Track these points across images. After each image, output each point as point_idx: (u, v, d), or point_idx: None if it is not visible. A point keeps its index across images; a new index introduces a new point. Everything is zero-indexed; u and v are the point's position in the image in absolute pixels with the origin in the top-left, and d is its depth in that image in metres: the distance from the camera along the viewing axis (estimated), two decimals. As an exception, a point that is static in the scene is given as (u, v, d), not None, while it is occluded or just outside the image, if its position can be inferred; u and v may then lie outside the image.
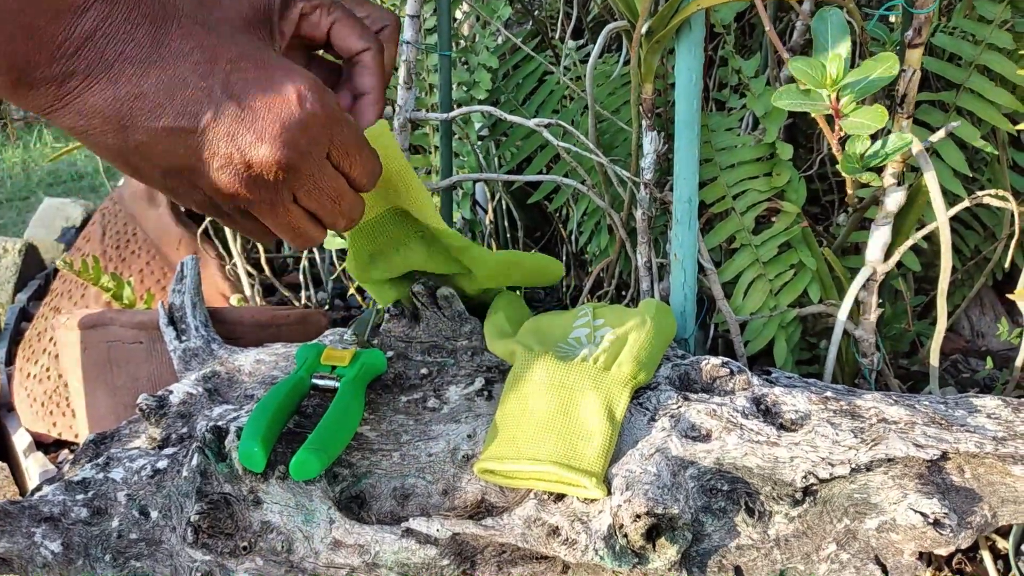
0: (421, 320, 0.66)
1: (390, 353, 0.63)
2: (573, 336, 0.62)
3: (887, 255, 0.71)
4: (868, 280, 0.72)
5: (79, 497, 0.56)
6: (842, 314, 0.72)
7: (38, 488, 0.64)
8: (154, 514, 0.54)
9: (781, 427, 0.54)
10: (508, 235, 1.09)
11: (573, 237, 1.00)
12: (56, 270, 1.51)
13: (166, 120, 0.38)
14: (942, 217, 0.65)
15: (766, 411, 0.55)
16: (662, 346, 0.60)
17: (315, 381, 0.57)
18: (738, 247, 0.78)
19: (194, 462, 0.53)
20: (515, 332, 0.63)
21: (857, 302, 0.74)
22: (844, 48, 0.56)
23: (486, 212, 1.08)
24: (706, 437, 0.53)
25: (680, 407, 0.55)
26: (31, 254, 1.47)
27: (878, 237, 0.70)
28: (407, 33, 0.76)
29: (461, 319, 0.65)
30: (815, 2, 0.83)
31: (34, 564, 0.53)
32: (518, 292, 1.08)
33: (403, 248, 0.63)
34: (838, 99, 0.56)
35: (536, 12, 1.22)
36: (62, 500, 0.55)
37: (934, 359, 0.72)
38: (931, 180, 0.64)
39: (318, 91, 0.41)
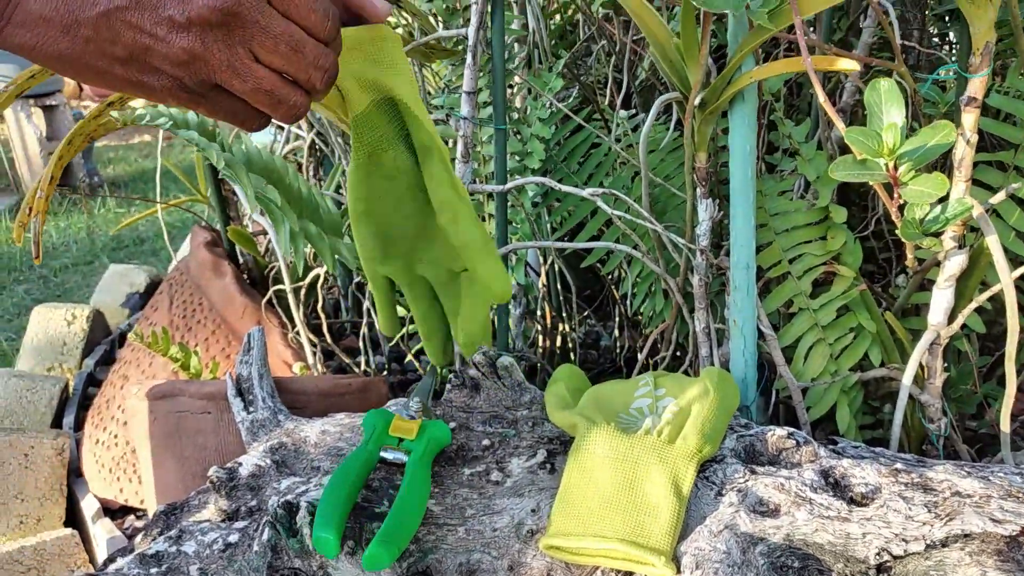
0: (481, 390, 0.67)
1: (452, 424, 0.64)
2: (634, 406, 0.62)
3: (950, 318, 0.70)
4: (932, 344, 0.71)
5: (153, 571, 0.57)
6: (906, 379, 0.71)
7: (111, 559, 0.66)
8: (226, 589, 0.55)
9: (851, 501, 0.53)
10: (561, 297, 1.10)
11: (627, 299, 1.01)
12: (122, 335, 1.56)
13: (101, 5, 0.39)
14: (1006, 279, 0.64)
15: (835, 484, 0.55)
16: (726, 417, 0.60)
17: (383, 455, 0.58)
18: (796, 311, 0.77)
19: (265, 537, 0.54)
20: (575, 402, 0.64)
21: (921, 366, 0.73)
22: (899, 117, 0.56)
23: (539, 275, 1.09)
24: (775, 512, 0.53)
25: (747, 481, 0.54)
26: (98, 320, 1.52)
27: (940, 300, 0.69)
28: (464, 109, 0.78)
29: (521, 389, 0.66)
30: (865, 64, 0.84)
31: (110, 638, 0.54)
32: (574, 360, 1.09)
33: (394, 151, 0.57)
34: (896, 168, 0.56)
35: (583, 77, 1.24)
36: (137, 574, 0.57)
37: (1004, 424, 0.70)
38: (993, 243, 0.64)
39: None
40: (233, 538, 0.57)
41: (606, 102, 1.19)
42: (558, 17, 1.17)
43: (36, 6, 0.39)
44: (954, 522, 0.50)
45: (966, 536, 0.50)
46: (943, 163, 0.76)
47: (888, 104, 0.57)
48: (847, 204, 0.86)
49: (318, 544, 0.51)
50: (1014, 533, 0.49)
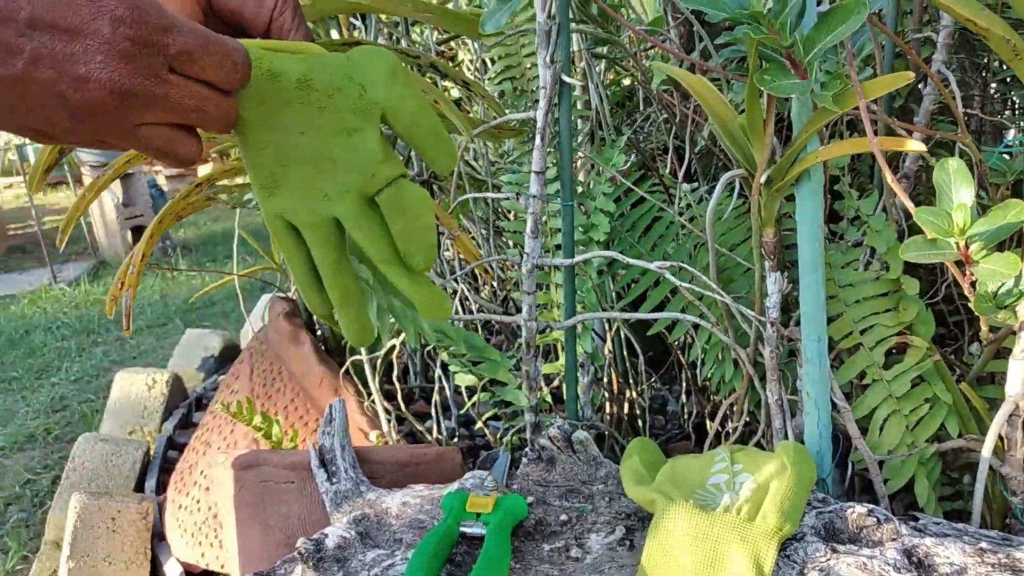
0: (556, 464, 0.68)
1: (529, 498, 0.66)
2: (711, 482, 0.62)
3: (1029, 388, 0.69)
4: (1011, 415, 0.71)
5: (246, 642, 0.59)
6: (985, 451, 0.70)
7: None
8: (315, 661, 0.57)
9: (936, 582, 0.53)
10: (628, 363, 1.11)
11: (695, 366, 1.01)
12: (199, 399, 1.62)
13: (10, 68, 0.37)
14: (1088, 351, 0.64)
15: (919, 564, 0.54)
16: (804, 493, 0.60)
17: (463, 529, 0.60)
18: (870, 383, 0.77)
19: (353, 610, 0.56)
20: (651, 476, 0.64)
21: (1000, 437, 0.72)
22: (968, 196, 0.57)
23: (604, 341, 1.11)
24: (857, 592, 0.53)
25: (828, 560, 0.55)
26: (176, 384, 1.58)
27: (1017, 371, 0.69)
28: (533, 187, 0.81)
29: (596, 463, 0.67)
30: (928, 136, 0.85)
31: None
32: (648, 435, 1.09)
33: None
34: (967, 247, 0.56)
35: (642, 144, 1.27)
36: (231, 644, 0.59)
37: (1095, 499, 0.69)
38: (1073, 314, 0.63)
39: (130, 9, 0.39)
40: (322, 611, 0.59)
41: (666, 170, 1.22)
42: (617, 87, 1.20)
43: None
44: (1045, 606, 0.49)
45: (1058, 620, 0.49)
46: (1017, 236, 0.76)
47: (957, 183, 0.58)
48: (916, 270, 0.86)
49: (404, 617, 0.53)
50: (1109, 618, 0.49)
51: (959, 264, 0.59)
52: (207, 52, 0.41)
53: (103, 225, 3.87)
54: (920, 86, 1.00)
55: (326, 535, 0.66)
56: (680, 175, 1.03)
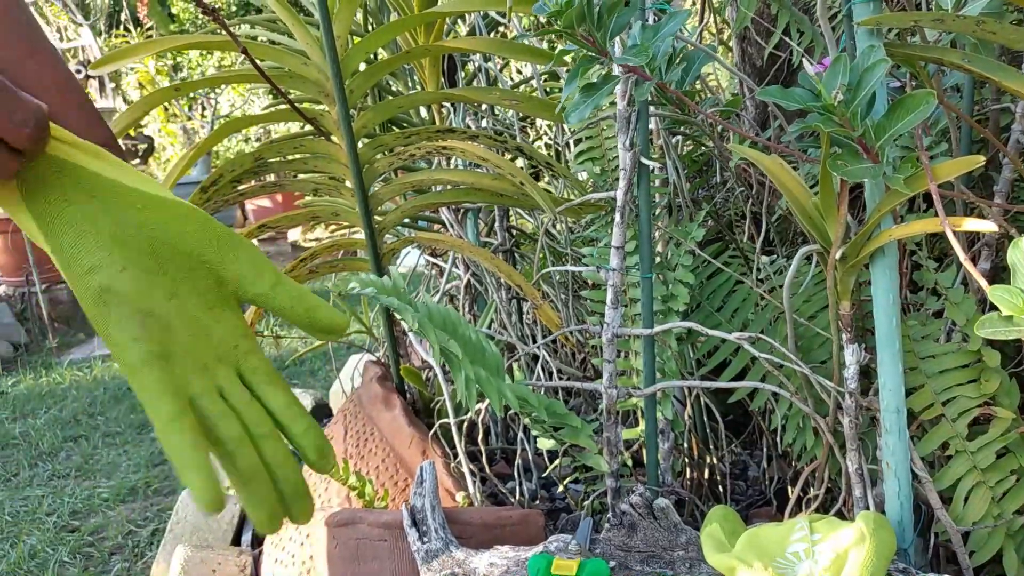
0: (638, 530, 0.71)
1: (612, 563, 0.68)
2: (791, 551, 0.64)
3: (1121, 462, 0.69)
4: (1102, 489, 0.70)
5: None
6: (1077, 525, 0.70)
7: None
8: None
9: (1021, 658, 0.53)
10: (708, 428, 1.13)
11: (776, 433, 1.02)
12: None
13: None
14: None
15: (1002, 639, 0.55)
16: (884, 564, 0.61)
17: (548, 591, 0.63)
18: (952, 454, 0.78)
19: (446, 665, 0.60)
20: (731, 544, 0.66)
21: (1093, 512, 0.71)
22: (1044, 276, 0.58)
23: (684, 406, 1.13)
24: (939, 665, 0.53)
25: (908, 631, 0.55)
26: (271, 442, 1.66)
27: (1107, 445, 0.69)
28: (613, 261, 0.86)
29: (677, 530, 0.69)
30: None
31: None
32: (728, 501, 1.10)
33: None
34: (1043, 324, 0.58)
35: (720, 211, 1.30)
36: None
37: None
38: None
39: None
40: (416, 664, 0.63)
41: (744, 237, 1.24)
42: (697, 157, 1.24)
43: None
44: None
45: None
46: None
47: (1031, 262, 0.59)
48: (998, 341, 0.86)
49: (494, 675, 0.56)
50: None
51: (1036, 340, 0.61)
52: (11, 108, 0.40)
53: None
54: (1000, 155, 1.01)
55: (419, 592, 0.70)
56: (758, 244, 1.06)
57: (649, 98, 0.85)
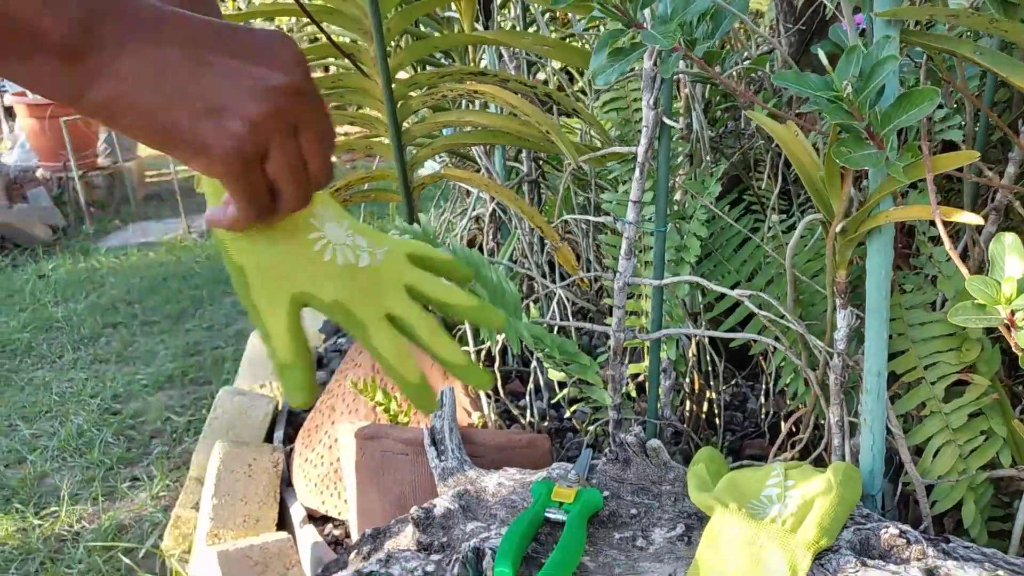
0: (631, 464, 0.79)
1: (605, 492, 0.77)
2: (765, 494, 0.72)
3: (1080, 432, 0.76)
4: (1059, 455, 0.77)
5: (369, 586, 0.74)
6: (1031, 485, 0.77)
7: (327, 571, 0.84)
8: (423, 608, 0.71)
9: (950, 602, 0.62)
10: (710, 368, 1.20)
11: (773, 376, 1.10)
12: (320, 358, 1.80)
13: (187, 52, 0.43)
14: None
15: (938, 584, 0.63)
16: (845, 512, 0.69)
17: (547, 514, 0.72)
18: (928, 414, 0.85)
19: (455, 571, 0.69)
20: (714, 483, 0.75)
21: (1049, 473, 0.78)
22: (1018, 270, 0.64)
23: (690, 343, 1.20)
24: (879, 603, 0.62)
25: (857, 571, 0.64)
26: (301, 345, 1.76)
27: (1069, 417, 0.75)
28: (629, 215, 0.91)
29: (667, 467, 0.78)
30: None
31: (336, 634, 0.71)
32: (725, 432, 1.18)
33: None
34: (1012, 314, 0.63)
35: (742, 153, 1.34)
36: (357, 587, 0.73)
37: None
38: (1120, 373, 0.69)
39: (300, 64, 0.45)
40: (430, 568, 0.73)
41: (763, 184, 1.28)
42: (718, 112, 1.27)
43: (122, 67, 0.42)
44: (1043, 633, 0.57)
45: (1054, 647, 0.57)
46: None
47: (1011, 256, 0.65)
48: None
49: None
50: (1100, 650, 0.56)
51: (1007, 326, 0.66)
52: (327, 132, 0.48)
53: (232, 180, 4.14)
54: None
55: (434, 505, 0.80)
56: (773, 197, 1.11)
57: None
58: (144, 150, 5.51)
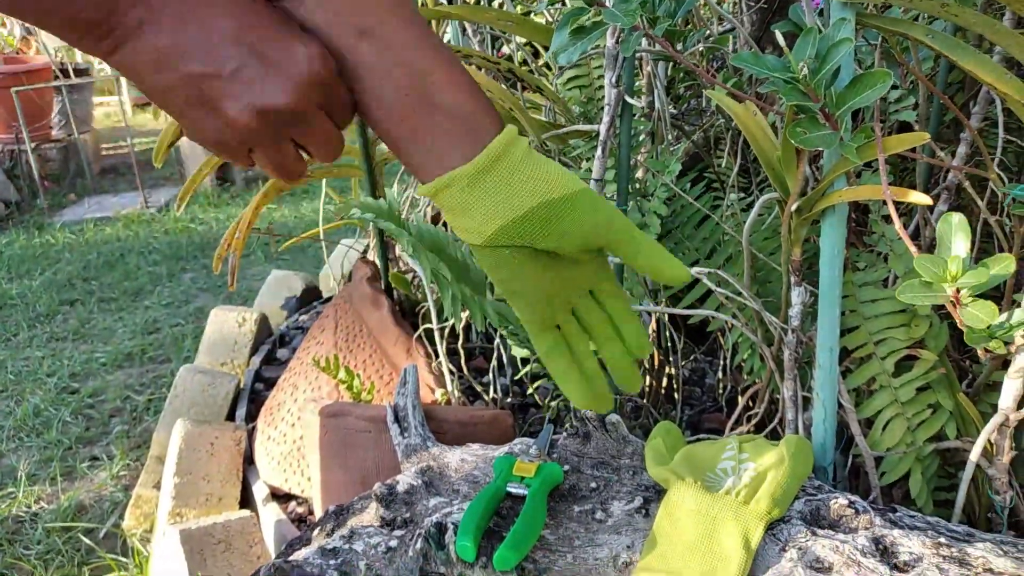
0: (591, 439, 0.81)
1: (566, 466, 0.78)
2: (720, 467, 0.74)
3: (1021, 404, 0.79)
4: (1001, 425, 0.80)
5: (331, 562, 0.74)
6: (974, 454, 0.80)
7: (291, 547, 0.84)
8: (386, 582, 0.72)
9: (895, 567, 0.64)
10: (670, 344, 1.22)
11: (730, 351, 1.12)
12: (282, 336, 1.79)
13: (196, 66, 0.48)
14: (1070, 380, 0.73)
15: (883, 551, 0.65)
16: (797, 484, 0.71)
17: (509, 489, 0.73)
18: (877, 388, 0.87)
19: (418, 546, 0.70)
20: (671, 457, 0.76)
21: (991, 443, 0.81)
22: (964, 248, 0.66)
23: (648, 323, 1.22)
24: (828, 570, 0.64)
25: (808, 540, 0.66)
26: (263, 322, 1.76)
27: (1009, 388, 0.78)
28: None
29: (625, 441, 0.79)
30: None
31: (300, 610, 0.72)
32: (683, 407, 1.21)
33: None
34: (958, 291, 0.66)
35: (703, 131, 1.35)
36: (319, 563, 0.74)
37: (1063, 506, 0.78)
38: (1059, 347, 0.72)
39: (324, 56, 0.50)
40: (393, 543, 0.74)
41: (723, 162, 1.30)
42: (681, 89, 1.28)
43: (145, 44, 0.47)
44: (980, 596, 0.60)
45: (991, 609, 0.60)
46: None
47: (957, 235, 0.67)
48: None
49: (460, 551, 0.67)
50: (1033, 611, 0.59)
51: (952, 304, 0.69)
52: (346, 111, 0.54)
53: (191, 153, 4.08)
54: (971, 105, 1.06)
55: (397, 481, 0.80)
56: (732, 176, 1.12)
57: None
58: (100, 122, 5.38)
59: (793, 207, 0.79)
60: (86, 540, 1.46)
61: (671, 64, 1.28)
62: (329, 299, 1.91)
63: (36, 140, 4.06)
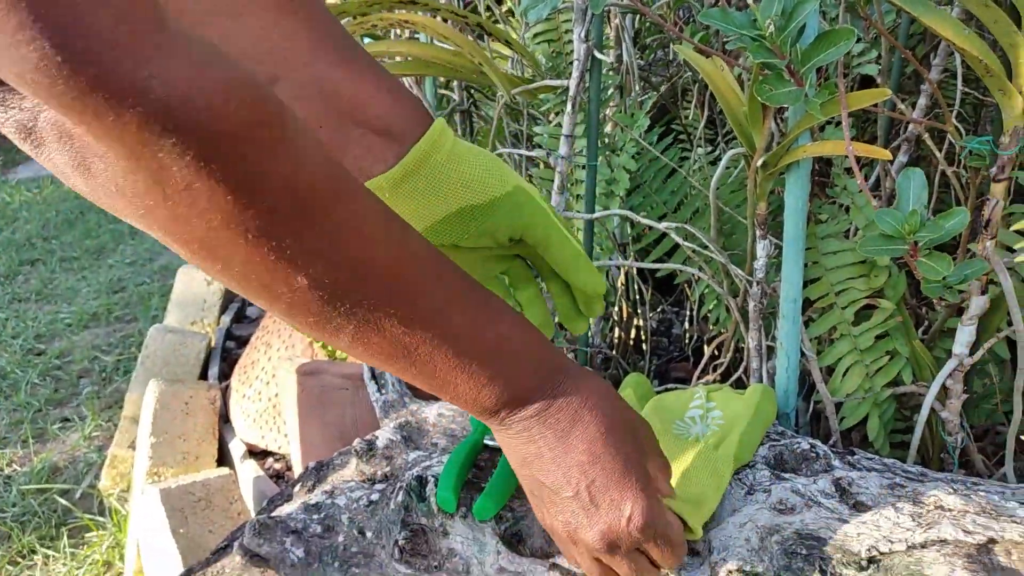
0: (566, 391, 0.83)
1: (542, 418, 0.81)
2: (689, 415, 0.77)
3: (974, 348, 0.83)
4: (954, 370, 0.84)
5: (314, 517, 0.76)
6: (928, 399, 0.84)
7: (272, 503, 0.86)
8: (369, 534, 0.74)
9: (853, 507, 0.68)
10: (638, 296, 1.25)
11: (696, 303, 1.15)
12: (250, 295, 1.78)
13: (547, 479, 0.56)
14: (1020, 327, 0.76)
15: (843, 492, 0.69)
16: (762, 429, 0.75)
17: (486, 442, 0.76)
18: (838, 337, 0.90)
19: (399, 499, 0.73)
20: (642, 407, 0.79)
21: (945, 387, 0.85)
22: (921, 203, 0.68)
23: (618, 276, 1.24)
24: (791, 511, 0.68)
25: (772, 484, 0.69)
26: (231, 281, 1.75)
27: (962, 335, 0.82)
28: (562, 149, 0.93)
29: (599, 393, 0.82)
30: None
31: (284, 565, 0.74)
32: (652, 357, 1.23)
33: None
34: (915, 244, 0.68)
35: (662, 88, 1.36)
36: (303, 518, 0.76)
37: (1010, 444, 0.83)
38: (1009, 293, 0.76)
39: (646, 512, 0.56)
40: (375, 497, 0.76)
41: (690, 113, 1.31)
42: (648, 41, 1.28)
43: (521, 447, 0.57)
44: (932, 530, 0.64)
45: (942, 541, 0.64)
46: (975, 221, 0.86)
47: (916, 190, 0.69)
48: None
49: (441, 502, 0.69)
50: (981, 543, 0.63)
51: (911, 255, 0.71)
52: (670, 548, 0.60)
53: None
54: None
55: (376, 437, 0.82)
56: (699, 130, 1.14)
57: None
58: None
59: (759, 162, 0.81)
60: (62, 501, 1.46)
61: (639, 16, 1.28)
62: (297, 256, 1.90)
63: (-16, 95, 3.94)
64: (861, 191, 0.92)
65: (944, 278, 0.74)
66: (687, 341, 1.35)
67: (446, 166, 0.57)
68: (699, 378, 1.03)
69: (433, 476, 0.72)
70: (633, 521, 0.55)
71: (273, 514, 0.79)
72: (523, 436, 0.55)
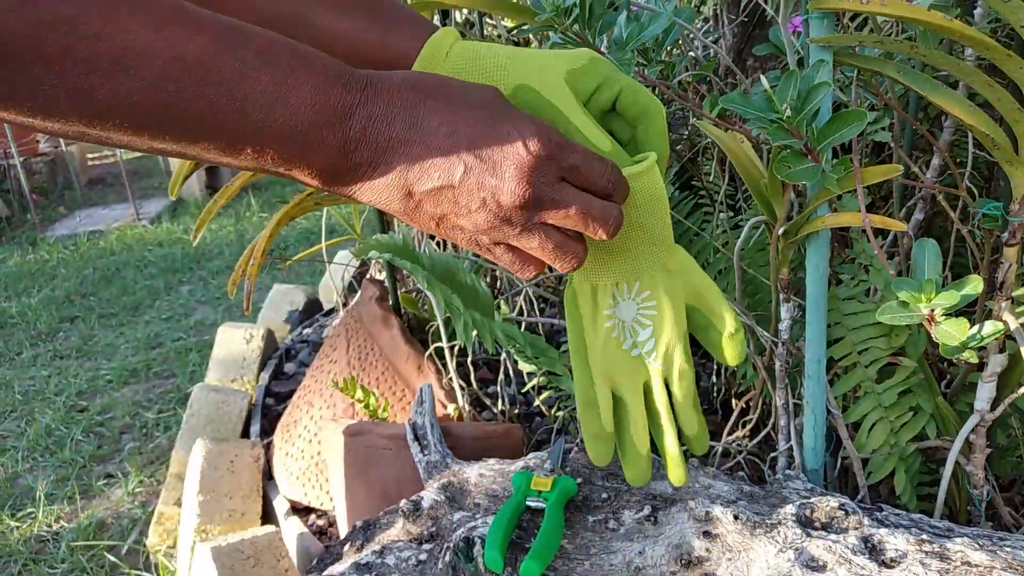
0: (602, 451, 0.87)
1: (579, 479, 0.85)
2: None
3: (994, 405, 0.86)
4: (976, 425, 0.87)
5: None
6: (953, 453, 0.87)
7: (322, 562, 0.90)
8: (419, 593, 0.78)
9: (882, 564, 0.71)
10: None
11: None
12: (287, 350, 1.84)
13: (432, 182, 0.49)
14: (1037, 383, 0.80)
15: (872, 548, 0.72)
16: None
17: (528, 503, 0.80)
18: (862, 394, 0.94)
19: (447, 559, 0.77)
20: None
21: (968, 441, 0.88)
22: (936, 271, 0.72)
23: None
24: (822, 568, 0.71)
25: (803, 542, 0.73)
26: (269, 338, 1.81)
27: (984, 392, 0.85)
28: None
29: (633, 453, 0.86)
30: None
31: (339, 621, 0.78)
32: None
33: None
34: (932, 311, 0.72)
35: (679, 147, 1.41)
36: (355, 577, 0.80)
37: (1035, 499, 0.85)
38: (1026, 354, 0.79)
39: (538, 133, 0.49)
40: (423, 557, 0.80)
41: (711, 175, 1.36)
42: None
43: (382, 179, 0.49)
44: (960, 587, 0.67)
45: (969, 598, 0.67)
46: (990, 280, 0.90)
47: (930, 259, 0.73)
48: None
49: (489, 563, 0.73)
50: (1007, 599, 0.66)
51: (928, 321, 0.75)
52: (591, 168, 0.52)
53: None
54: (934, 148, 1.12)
55: (422, 497, 0.86)
56: (720, 193, 1.19)
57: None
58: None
59: (780, 231, 0.85)
60: (110, 557, 1.51)
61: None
62: (331, 311, 1.96)
63: (24, 155, 4.08)
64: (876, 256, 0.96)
65: (961, 341, 0.78)
66: (715, 395, 1.39)
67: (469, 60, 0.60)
68: (729, 434, 1.06)
69: (479, 537, 0.76)
70: (531, 144, 0.49)
71: (324, 573, 0.83)
72: (381, 160, 0.49)
